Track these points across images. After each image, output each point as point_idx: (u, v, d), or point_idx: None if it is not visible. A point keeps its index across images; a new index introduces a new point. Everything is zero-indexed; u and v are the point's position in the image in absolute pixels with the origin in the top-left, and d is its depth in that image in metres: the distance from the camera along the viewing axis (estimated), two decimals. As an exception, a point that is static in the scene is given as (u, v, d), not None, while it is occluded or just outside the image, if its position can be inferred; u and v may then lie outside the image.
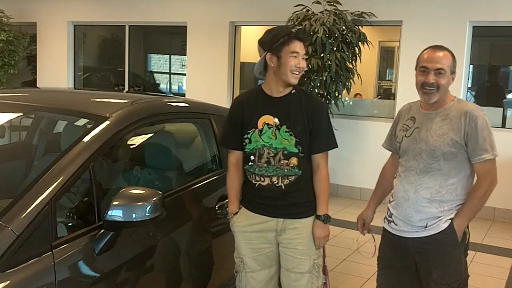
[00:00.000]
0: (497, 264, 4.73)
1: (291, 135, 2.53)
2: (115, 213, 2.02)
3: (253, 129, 2.57)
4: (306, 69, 2.61)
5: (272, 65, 2.53)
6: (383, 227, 2.64)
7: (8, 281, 1.74)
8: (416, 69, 2.48)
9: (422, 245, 2.46)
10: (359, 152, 6.65)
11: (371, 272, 4.34)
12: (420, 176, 2.44)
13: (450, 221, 2.42)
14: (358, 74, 6.42)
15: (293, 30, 2.59)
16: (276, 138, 2.53)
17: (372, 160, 6.54)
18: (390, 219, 2.57)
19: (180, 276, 2.69)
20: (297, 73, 2.52)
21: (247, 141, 2.59)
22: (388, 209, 2.60)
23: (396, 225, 2.53)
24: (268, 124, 2.55)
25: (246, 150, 2.60)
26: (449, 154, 2.38)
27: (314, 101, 2.65)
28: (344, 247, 4.90)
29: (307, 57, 2.63)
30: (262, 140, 2.55)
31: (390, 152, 2.77)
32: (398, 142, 2.57)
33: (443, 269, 2.43)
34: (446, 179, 2.42)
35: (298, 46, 2.51)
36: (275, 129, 2.54)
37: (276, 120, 2.54)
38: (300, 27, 6.01)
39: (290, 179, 2.54)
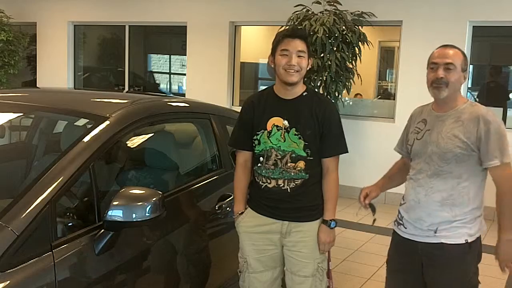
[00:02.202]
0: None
1: (300, 138, 2.50)
2: (115, 213, 2.02)
3: (262, 131, 2.54)
4: (309, 65, 2.55)
5: (273, 66, 2.54)
6: (393, 230, 2.60)
7: (8, 281, 1.74)
8: (427, 68, 2.44)
9: (431, 249, 2.41)
10: (359, 152, 6.64)
11: (371, 272, 4.34)
12: (431, 179, 2.40)
13: (466, 241, 2.36)
14: (358, 74, 6.42)
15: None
16: (284, 141, 2.51)
17: (372, 160, 6.55)
18: (400, 222, 2.53)
19: (180, 276, 2.68)
20: (292, 71, 2.47)
21: (256, 142, 2.57)
22: (399, 211, 2.56)
23: (406, 228, 2.49)
24: (277, 126, 2.52)
25: (256, 151, 2.58)
26: (461, 156, 2.33)
27: (326, 104, 2.60)
28: (344, 247, 4.90)
29: (306, 53, 2.52)
30: (271, 142, 2.53)
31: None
32: (409, 145, 2.52)
33: (450, 276, 2.39)
34: (458, 183, 2.36)
35: (289, 44, 2.47)
36: (284, 132, 2.51)
37: (286, 122, 2.51)
38: (300, 27, 6.02)
39: (296, 182, 2.52)
